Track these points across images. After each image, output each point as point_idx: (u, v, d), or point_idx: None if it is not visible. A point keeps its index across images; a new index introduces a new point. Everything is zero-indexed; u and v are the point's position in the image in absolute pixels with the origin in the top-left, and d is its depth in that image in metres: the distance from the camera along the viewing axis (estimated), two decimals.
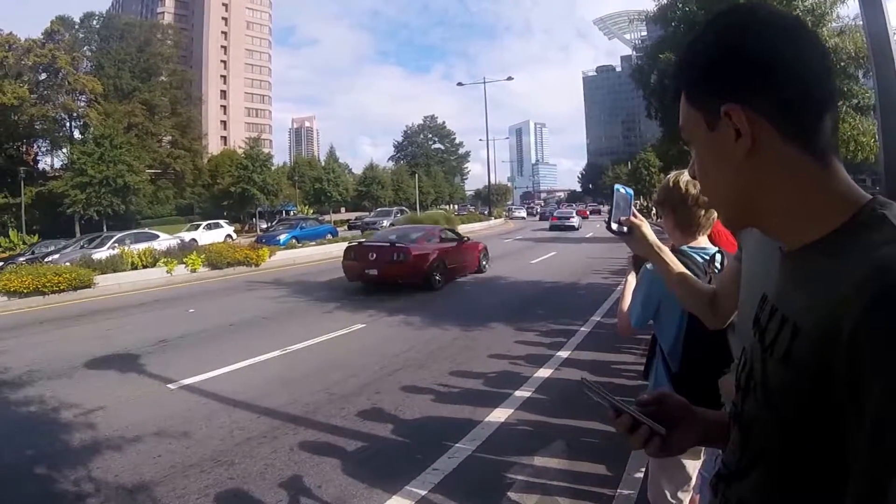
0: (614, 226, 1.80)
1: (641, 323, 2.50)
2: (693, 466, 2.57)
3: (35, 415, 5.89)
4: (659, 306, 2.41)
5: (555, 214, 47.93)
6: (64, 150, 52.88)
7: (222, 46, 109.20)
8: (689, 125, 0.92)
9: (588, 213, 70.27)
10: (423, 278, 13.63)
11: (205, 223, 41.06)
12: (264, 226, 49.79)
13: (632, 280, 2.74)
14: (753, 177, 0.84)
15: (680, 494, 2.62)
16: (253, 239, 30.48)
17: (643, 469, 4.08)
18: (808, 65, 0.81)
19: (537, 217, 73.44)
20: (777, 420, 0.78)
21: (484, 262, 16.89)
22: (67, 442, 5.10)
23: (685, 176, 2.33)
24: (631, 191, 1.85)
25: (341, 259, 14.76)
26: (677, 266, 1.83)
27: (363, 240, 16.69)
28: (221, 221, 43.15)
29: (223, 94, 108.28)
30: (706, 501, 1.69)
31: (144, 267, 17.57)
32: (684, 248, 2.35)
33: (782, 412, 0.77)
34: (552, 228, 38.54)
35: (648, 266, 2.36)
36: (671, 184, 2.36)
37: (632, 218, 1.81)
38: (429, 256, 13.95)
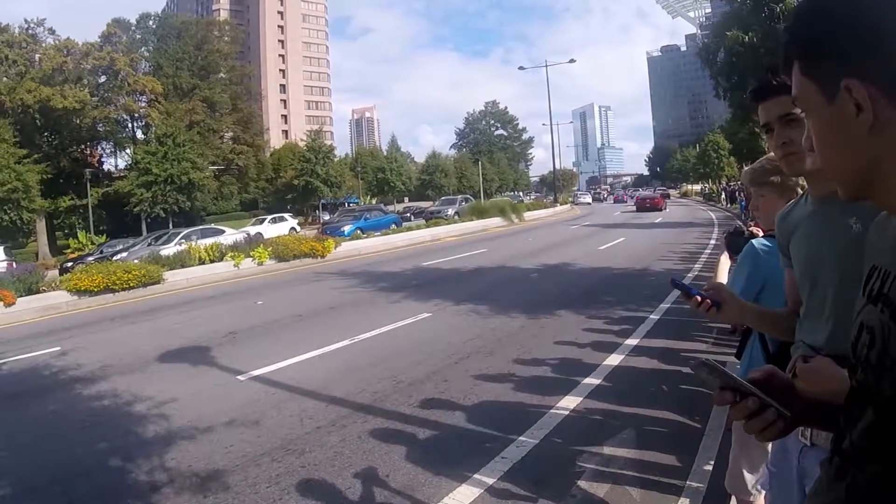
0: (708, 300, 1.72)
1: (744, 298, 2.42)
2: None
3: (108, 409, 6.08)
4: (764, 285, 2.33)
5: (638, 195, 63.66)
6: (127, 151, 54.18)
7: (279, 40, 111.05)
8: (804, 96, 0.91)
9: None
10: (660, 207, 42.80)
11: (269, 217, 41.94)
12: (326, 217, 50.37)
13: (724, 260, 2.64)
14: (874, 152, 0.82)
15: (759, 485, 2.53)
16: (317, 230, 30.91)
17: (712, 461, 4.00)
18: None
19: (609, 201, 80.00)
20: None
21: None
22: (141, 434, 5.26)
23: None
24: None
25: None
26: (761, 309, 1.82)
27: (643, 194, 58.97)
28: (286, 215, 43.89)
29: (282, 88, 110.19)
30: (786, 498, 1.62)
31: (212, 261, 17.99)
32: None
33: None
34: (640, 208, 46.84)
35: (756, 243, 2.26)
36: (771, 165, 2.25)
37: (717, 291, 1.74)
38: (661, 200, 47.31)
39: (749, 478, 2.54)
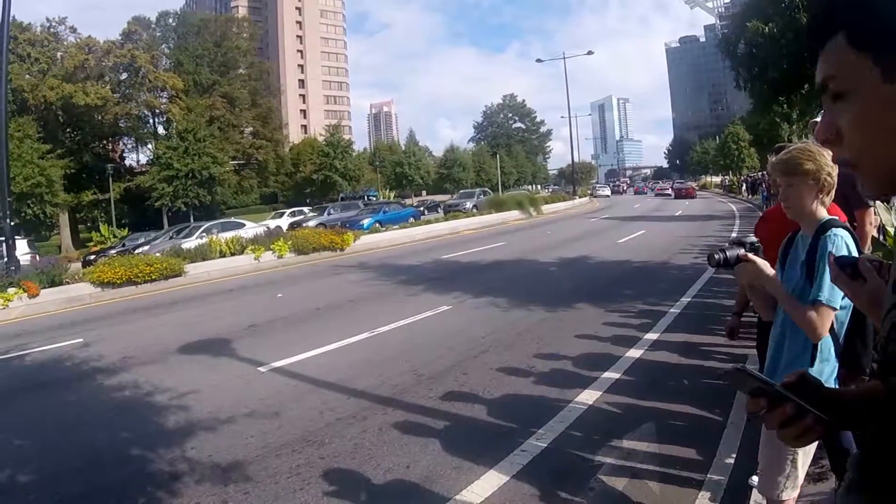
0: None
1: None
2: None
3: (130, 399, 6.15)
4: None
5: (675, 186, 69.90)
6: (149, 146, 55.20)
7: (297, 36, 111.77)
8: (847, 73, 0.77)
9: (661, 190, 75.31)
10: (693, 196, 53.33)
11: (289, 210, 42.03)
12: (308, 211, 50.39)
13: (769, 270, 2.38)
14: None
15: (800, 473, 2.42)
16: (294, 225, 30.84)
17: (734, 455, 3.98)
18: None
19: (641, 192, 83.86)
20: None
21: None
22: (162, 424, 5.32)
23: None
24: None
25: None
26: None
27: (686, 184, 66.32)
28: (305, 208, 44.03)
29: (301, 83, 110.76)
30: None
31: (233, 254, 18.07)
32: (834, 218, 2.19)
33: None
34: (677, 196, 56.95)
35: (838, 233, 2.11)
36: (818, 154, 2.17)
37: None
38: (693, 190, 59.15)
39: (801, 474, 2.40)
